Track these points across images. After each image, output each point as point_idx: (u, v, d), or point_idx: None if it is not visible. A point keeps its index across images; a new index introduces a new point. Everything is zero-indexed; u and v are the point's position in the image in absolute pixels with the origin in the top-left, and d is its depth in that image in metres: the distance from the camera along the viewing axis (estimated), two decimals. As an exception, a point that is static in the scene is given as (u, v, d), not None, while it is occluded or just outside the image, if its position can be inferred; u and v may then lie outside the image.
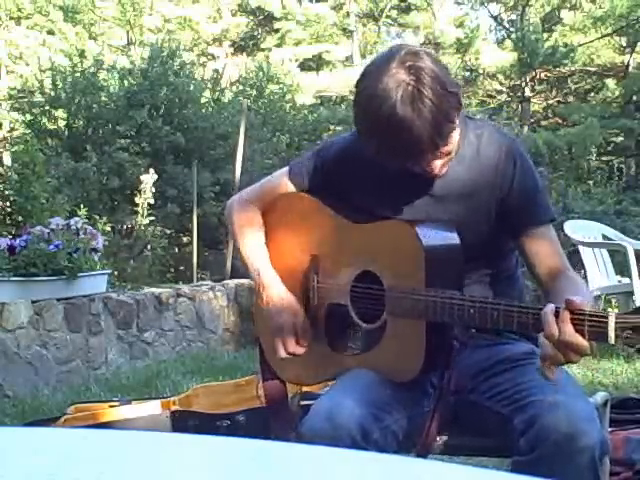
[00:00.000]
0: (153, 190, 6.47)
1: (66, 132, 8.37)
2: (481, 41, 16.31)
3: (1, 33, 12.80)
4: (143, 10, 14.71)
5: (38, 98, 8.89)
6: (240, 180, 6.81)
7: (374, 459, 1.14)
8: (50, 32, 13.30)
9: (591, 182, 11.62)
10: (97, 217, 5.62)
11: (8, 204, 5.90)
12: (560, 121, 15.65)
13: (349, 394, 1.58)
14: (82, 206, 5.27)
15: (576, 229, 5.44)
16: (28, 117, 8.71)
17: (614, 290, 5.47)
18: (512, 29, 16.83)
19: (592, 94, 16.56)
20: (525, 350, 1.70)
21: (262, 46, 17.44)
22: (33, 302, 4.31)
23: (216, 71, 12.57)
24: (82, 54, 9.05)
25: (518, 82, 15.83)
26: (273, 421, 1.97)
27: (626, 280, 5.33)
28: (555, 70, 15.41)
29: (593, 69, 15.87)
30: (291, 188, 1.88)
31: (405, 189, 1.72)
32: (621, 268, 5.59)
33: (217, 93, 10.04)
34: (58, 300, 4.48)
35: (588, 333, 1.37)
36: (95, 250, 4.73)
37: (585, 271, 5.34)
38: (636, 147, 15.17)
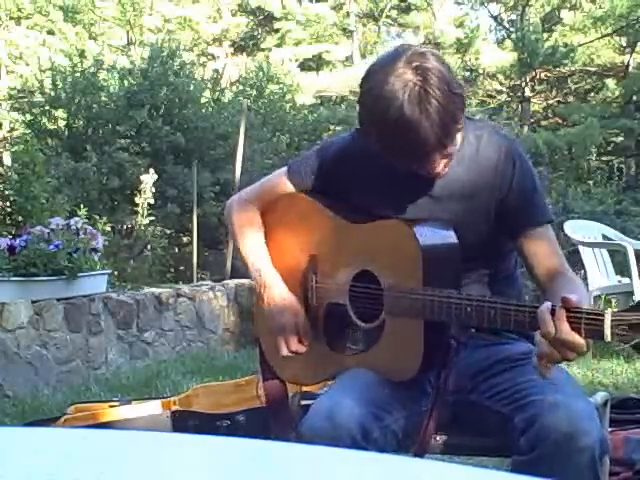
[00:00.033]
0: (153, 190, 6.46)
1: (66, 132, 8.37)
2: (481, 41, 16.31)
3: (1, 33, 12.80)
4: (143, 10, 14.71)
5: (38, 98, 8.89)
6: (240, 180, 6.81)
7: (374, 459, 1.14)
8: (50, 32, 13.30)
9: (591, 182, 11.62)
10: (97, 217, 5.62)
11: (8, 204, 5.90)
12: (560, 121, 15.65)
13: (348, 394, 1.59)
14: (82, 206, 5.27)
15: (576, 229, 5.44)
16: (28, 117, 8.70)
17: (614, 290, 5.47)
18: (512, 29, 16.83)
19: (592, 94, 16.56)
20: (524, 350, 1.70)
21: (262, 46, 17.44)
22: (33, 302, 4.31)
23: (216, 71, 12.56)
24: (82, 54, 9.05)
25: (518, 82, 15.82)
26: (273, 421, 1.97)
27: (626, 280, 5.33)
28: (555, 70, 15.41)
29: (593, 69, 15.87)
30: (290, 188, 1.88)
31: (404, 189, 1.72)
32: (621, 268, 5.58)
33: (217, 93, 10.04)
34: (58, 300, 4.48)
35: (584, 331, 1.38)
36: (95, 250, 4.73)
37: (585, 271, 5.34)
38: (636, 147, 15.17)
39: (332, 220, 1.80)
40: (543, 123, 16.25)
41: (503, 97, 16.60)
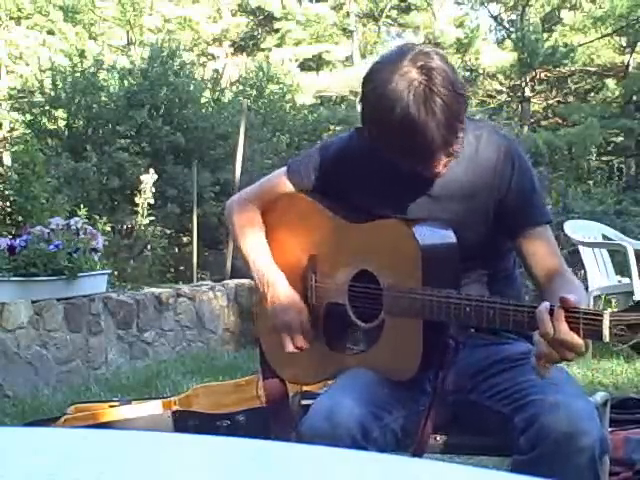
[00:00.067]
0: (153, 190, 6.46)
1: (66, 132, 8.37)
2: (481, 41, 16.31)
3: (1, 33, 12.80)
4: (143, 10, 14.71)
5: (38, 98, 8.89)
6: (240, 180, 6.81)
7: (374, 459, 1.14)
8: (50, 32, 13.30)
9: (591, 182, 11.62)
10: (97, 217, 5.62)
11: (8, 204, 5.90)
12: (560, 121, 15.65)
13: (348, 393, 1.59)
14: (82, 206, 5.27)
15: (576, 229, 5.45)
16: (28, 117, 8.70)
17: (614, 290, 5.47)
18: (512, 29, 16.84)
19: (592, 94, 16.57)
20: (524, 349, 1.70)
21: (262, 46, 17.44)
22: (33, 302, 4.31)
23: (216, 71, 12.57)
24: (82, 54, 9.05)
25: (518, 82, 15.83)
26: (273, 421, 1.97)
27: (626, 280, 5.33)
28: (555, 70, 15.41)
29: (593, 69, 15.87)
30: (290, 187, 1.88)
31: (404, 189, 1.73)
32: (621, 268, 5.59)
33: (217, 93, 10.04)
34: (58, 300, 4.48)
35: (583, 331, 1.38)
36: (95, 250, 4.73)
37: (585, 271, 5.34)
38: (636, 147, 15.17)
39: (331, 220, 1.80)
40: (543, 123, 16.25)
41: (503, 97, 16.60)
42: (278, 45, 16.94)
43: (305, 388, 2.04)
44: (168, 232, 7.71)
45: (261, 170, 7.19)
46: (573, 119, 14.37)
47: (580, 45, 15.24)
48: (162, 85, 8.44)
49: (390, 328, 1.65)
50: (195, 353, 5.43)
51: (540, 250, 1.72)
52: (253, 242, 1.88)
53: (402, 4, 17.65)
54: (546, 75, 15.75)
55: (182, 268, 8.25)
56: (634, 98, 15.21)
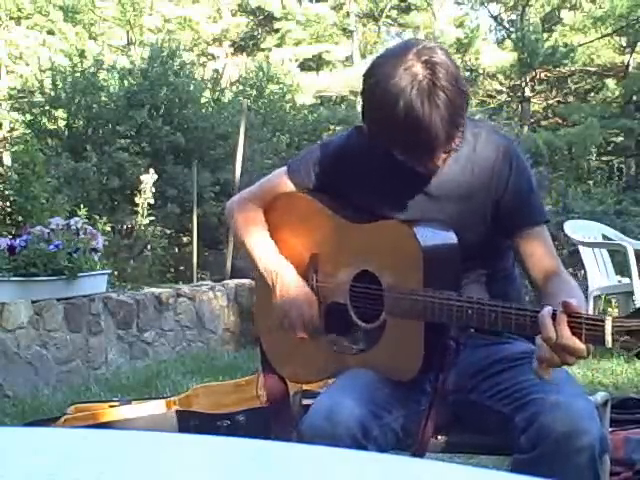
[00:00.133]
0: (153, 190, 6.46)
1: (66, 132, 8.37)
2: (481, 41, 16.32)
3: (1, 33, 12.80)
4: (143, 10, 14.72)
5: (38, 98, 8.89)
6: (240, 180, 6.81)
7: (374, 459, 1.14)
8: (50, 32, 13.30)
9: (591, 182, 11.62)
10: (97, 217, 5.62)
11: (8, 204, 5.90)
12: (560, 121, 15.65)
13: (348, 393, 1.59)
14: (82, 206, 5.27)
15: (576, 229, 5.45)
16: (28, 117, 8.70)
17: (614, 290, 5.47)
18: (512, 29, 16.84)
19: (592, 94, 16.57)
20: (524, 349, 1.70)
21: (262, 46, 17.45)
22: (33, 302, 4.31)
23: (216, 71, 12.56)
24: (82, 54, 9.05)
25: (518, 82, 15.83)
26: (274, 420, 1.97)
27: (626, 280, 5.33)
28: (555, 70, 15.42)
29: (593, 69, 15.87)
30: (290, 187, 1.88)
31: (402, 186, 1.73)
32: (621, 268, 5.59)
33: (217, 93, 10.04)
34: (58, 300, 4.48)
35: (585, 336, 1.38)
36: (95, 250, 4.73)
37: (585, 271, 5.34)
38: (636, 147, 15.17)
39: (332, 219, 1.80)
40: (543, 123, 16.26)
41: (503, 97, 16.61)
42: (278, 45, 16.95)
43: (305, 387, 2.04)
44: (168, 232, 7.71)
45: (261, 170, 7.19)
46: (573, 119, 14.38)
47: (580, 45, 15.24)
48: (162, 85, 8.44)
49: (391, 328, 1.65)
50: (195, 353, 5.43)
51: (537, 251, 1.72)
52: (258, 238, 1.88)
53: (402, 4, 17.66)
54: (546, 75, 15.75)
55: (182, 268, 8.25)
56: (634, 98, 15.21)
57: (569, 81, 16.44)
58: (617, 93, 15.75)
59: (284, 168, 1.91)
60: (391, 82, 1.53)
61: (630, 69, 15.19)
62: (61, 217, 4.95)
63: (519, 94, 15.99)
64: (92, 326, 4.70)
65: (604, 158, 14.91)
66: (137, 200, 6.51)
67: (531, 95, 15.94)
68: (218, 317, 5.78)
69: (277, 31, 17.33)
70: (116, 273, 5.65)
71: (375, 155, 1.73)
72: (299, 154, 2.00)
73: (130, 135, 7.98)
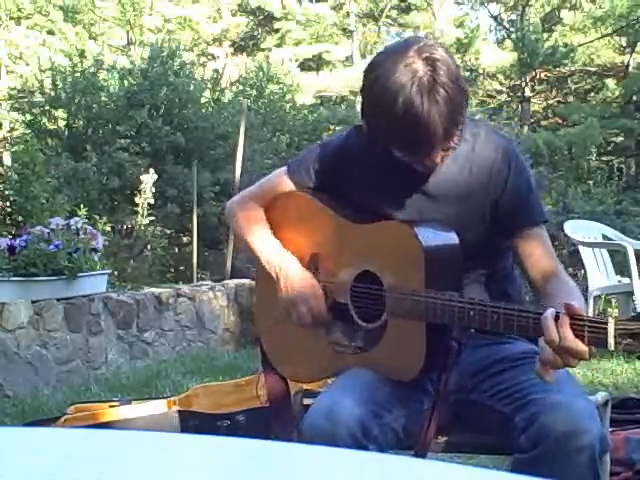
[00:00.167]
0: (153, 190, 6.46)
1: (66, 132, 8.37)
2: (481, 41, 16.32)
3: (1, 33, 12.80)
4: (143, 10, 14.72)
5: (38, 98, 8.89)
6: (240, 180, 6.81)
7: (374, 459, 1.14)
8: (50, 32, 13.31)
9: (591, 182, 11.62)
10: (97, 217, 5.62)
11: (8, 204, 5.90)
12: (560, 121, 15.66)
13: (348, 393, 1.59)
14: (82, 206, 5.27)
15: (576, 229, 5.45)
16: (28, 117, 8.71)
17: (614, 290, 5.47)
18: (512, 29, 16.84)
19: (592, 94, 16.57)
20: (525, 349, 1.70)
21: (262, 46, 17.45)
22: (33, 302, 4.31)
23: (216, 71, 12.57)
24: (82, 54, 9.05)
25: (518, 82, 15.83)
26: (275, 419, 1.97)
27: (626, 280, 5.33)
28: (555, 70, 15.42)
29: (593, 69, 15.87)
30: (290, 186, 1.87)
31: (400, 185, 1.73)
32: (621, 268, 5.59)
33: (217, 93, 10.04)
34: (58, 300, 4.47)
35: (588, 339, 1.38)
36: (95, 250, 4.73)
37: (585, 271, 5.35)
38: (636, 147, 15.18)
39: (333, 219, 1.80)
40: (543, 123, 16.26)
41: (503, 97, 16.61)
42: (278, 45, 16.95)
43: (306, 387, 2.04)
44: (168, 232, 7.71)
45: (261, 170, 7.19)
46: (573, 119, 14.38)
47: (580, 45, 15.25)
48: (162, 85, 8.44)
49: (393, 328, 1.65)
50: (195, 353, 5.43)
51: (536, 251, 1.72)
52: (260, 235, 1.87)
53: (402, 4, 17.66)
54: (546, 75, 15.75)
55: (182, 268, 8.25)
56: (634, 98, 15.21)
57: (569, 81, 16.44)
58: (617, 93, 15.75)
59: (284, 168, 1.91)
60: (391, 78, 1.53)
61: (630, 69, 15.19)
62: (61, 217, 4.95)
63: (519, 94, 15.99)
64: (92, 326, 4.70)
65: (604, 158, 14.91)
66: (137, 200, 6.51)
67: (531, 95, 15.94)
68: (218, 317, 5.78)
69: (277, 31, 17.33)
70: (116, 273, 5.65)
71: (374, 153, 1.73)
72: (299, 154, 2.00)
73: (130, 135, 7.98)
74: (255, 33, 18.26)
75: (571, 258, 6.67)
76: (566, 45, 14.95)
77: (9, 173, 6.08)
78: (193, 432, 2.72)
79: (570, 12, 16.12)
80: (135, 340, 5.07)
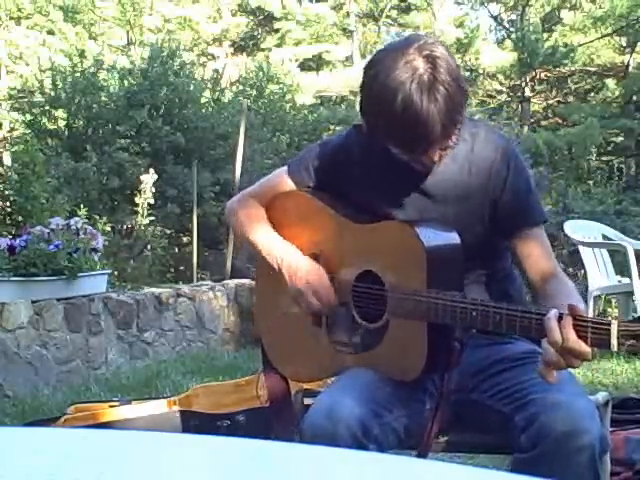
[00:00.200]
0: (153, 190, 6.47)
1: (66, 132, 8.37)
2: (481, 41, 16.32)
3: (1, 33, 12.80)
4: (143, 10, 14.72)
5: (38, 98, 8.90)
6: (240, 180, 6.81)
7: (374, 459, 1.14)
8: (50, 32, 13.31)
9: (591, 182, 11.62)
10: (97, 217, 5.62)
11: (8, 204, 5.90)
12: (560, 121, 15.66)
13: (348, 393, 1.58)
14: (82, 206, 5.27)
15: (576, 229, 5.45)
16: (28, 117, 8.71)
17: (614, 290, 5.47)
18: (512, 29, 16.85)
19: (592, 94, 16.58)
20: (525, 349, 1.70)
21: (262, 46, 17.45)
22: (33, 302, 4.31)
23: (216, 71, 12.57)
24: (82, 54, 9.05)
25: (518, 82, 15.84)
26: (275, 419, 1.97)
27: (626, 280, 5.33)
28: (555, 70, 15.42)
29: (593, 69, 15.88)
30: (291, 185, 1.87)
31: (399, 184, 1.72)
32: (621, 268, 5.59)
33: (217, 93, 10.04)
34: (58, 300, 4.47)
35: (591, 340, 1.37)
36: (95, 250, 4.73)
37: (585, 271, 5.34)
38: (636, 147, 15.18)
39: (334, 219, 1.80)
40: (543, 123, 16.26)
41: (503, 97, 16.61)
42: (278, 45, 16.95)
43: (306, 386, 2.04)
44: (168, 232, 7.71)
45: (261, 170, 7.19)
46: (573, 119, 14.38)
47: (580, 45, 15.25)
48: (162, 85, 8.44)
49: (394, 328, 1.65)
50: (195, 353, 5.43)
51: (535, 252, 1.72)
52: (261, 230, 1.85)
53: (402, 4, 17.66)
54: (546, 75, 15.76)
55: (182, 268, 8.25)
56: (634, 98, 15.22)
57: (569, 81, 16.44)
58: (617, 93, 15.76)
59: (284, 168, 1.91)
60: (391, 75, 1.53)
61: (630, 69, 15.20)
62: (61, 217, 4.95)
63: (519, 94, 15.99)
64: (92, 326, 4.70)
65: (604, 158, 14.91)
66: (137, 200, 6.51)
67: (531, 95, 15.94)
68: (218, 317, 5.78)
69: (277, 31, 17.33)
70: (116, 273, 5.65)
71: (373, 153, 1.73)
72: (299, 153, 2.00)
73: (130, 135, 7.98)
74: (255, 33, 18.27)
75: (571, 258, 6.67)
76: (566, 45, 14.95)
77: (9, 173, 6.08)
78: (193, 432, 2.72)
79: (570, 12, 16.12)
80: (135, 340, 5.07)
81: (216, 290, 5.83)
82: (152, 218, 6.62)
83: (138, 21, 14.71)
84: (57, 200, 5.65)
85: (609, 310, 6.30)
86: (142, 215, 6.48)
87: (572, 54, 14.89)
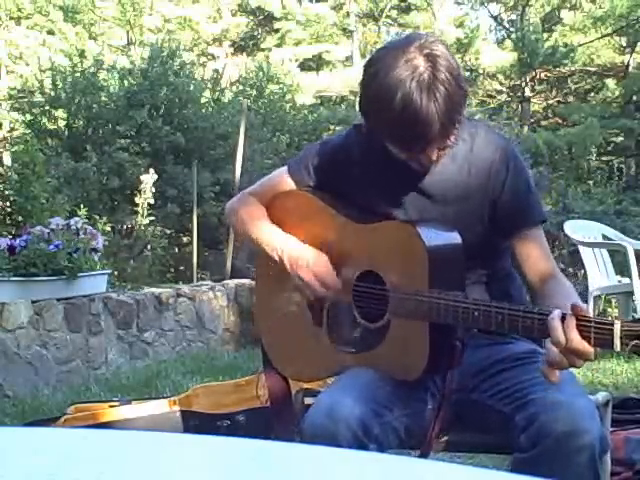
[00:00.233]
0: (153, 190, 6.47)
1: (66, 132, 8.37)
2: (481, 41, 16.33)
3: (1, 33, 12.81)
4: (143, 10, 14.72)
5: (38, 98, 8.90)
6: (240, 180, 6.81)
7: (375, 459, 1.14)
8: (50, 32, 13.31)
9: (591, 182, 11.62)
10: (97, 217, 5.62)
11: (8, 204, 5.90)
12: (560, 121, 15.66)
13: (349, 392, 1.58)
14: (82, 206, 5.27)
15: (576, 229, 5.45)
16: (28, 117, 8.71)
17: (614, 290, 5.47)
18: (512, 29, 16.85)
19: (592, 94, 16.58)
20: (526, 349, 1.70)
21: (262, 46, 17.45)
22: (33, 302, 4.31)
23: (216, 71, 12.57)
24: (82, 54, 9.06)
25: (518, 82, 15.84)
26: (276, 419, 1.97)
27: (626, 280, 5.33)
28: (555, 70, 15.43)
29: (593, 69, 15.88)
30: (291, 185, 1.87)
31: (397, 185, 1.72)
32: (621, 268, 5.59)
33: (217, 93, 10.04)
34: (58, 300, 4.47)
35: (594, 340, 1.37)
36: (95, 250, 4.73)
37: (585, 271, 5.34)
38: (636, 147, 15.18)
39: (335, 218, 1.79)
40: (543, 123, 16.26)
41: (503, 97, 16.61)
42: (278, 45, 16.95)
43: (306, 386, 2.04)
44: (168, 232, 7.71)
45: (261, 170, 7.19)
46: (573, 119, 14.39)
47: (580, 45, 15.25)
48: (162, 85, 8.44)
49: (396, 328, 1.65)
50: (195, 353, 5.43)
51: (534, 253, 1.72)
52: (262, 226, 1.85)
53: (402, 4, 17.66)
54: (546, 75, 15.76)
55: (182, 268, 8.25)
56: (634, 98, 15.22)
57: (569, 81, 16.44)
58: (617, 93, 15.76)
59: (284, 168, 1.91)
60: (391, 73, 1.53)
61: (630, 69, 15.20)
62: (61, 217, 4.95)
63: (519, 94, 15.99)
64: (92, 326, 4.70)
65: (604, 158, 14.91)
66: (137, 200, 6.52)
67: (531, 95, 15.94)
68: (218, 317, 5.78)
69: (277, 31, 17.33)
70: (116, 273, 5.65)
71: (373, 152, 1.73)
72: (299, 153, 2.00)
73: (130, 135, 7.98)
74: (255, 33, 18.27)
75: (571, 258, 6.67)
76: (566, 45, 14.96)
77: (9, 173, 6.08)
78: (193, 432, 2.72)
79: (570, 12, 16.12)
80: (135, 340, 5.07)
81: (216, 290, 5.83)
82: (152, 218, 6.62)
83: (138, 21, 14.72)
84: (57, 200, 5.65)
85: (609, 310, 6.30)
86: (142, 215, 6.48)
87: (572, 54, 14.90)
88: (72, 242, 4.55)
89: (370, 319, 1.70)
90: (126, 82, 8.67)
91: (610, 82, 15.94)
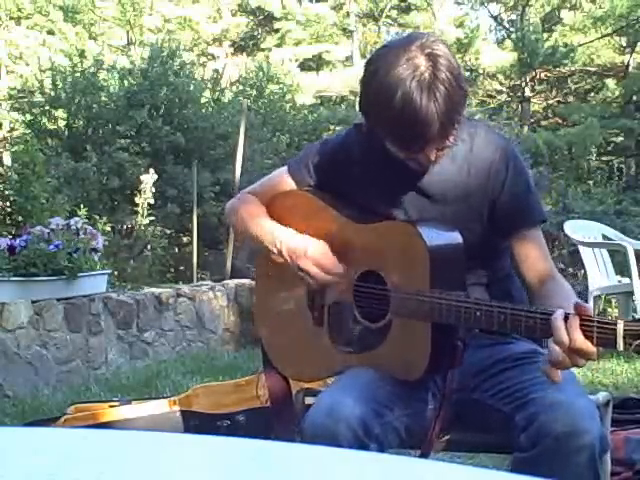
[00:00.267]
0: (153, 190, 6.47)
1: (66, 132, 8.38)
2: (481, 41, 16.33)
3: (1, 33, 12.81)
4: (143, 10, 14.72)
5: (38, 98, 8.90)
6: (240, 180, 6.81)
7: (375, 459, 1.14)
8: (50, 32, 13.31)
9: (591, 182, 11.62)
10: (97, 217, 5.62)
11: (8, 204, 5.90)
12: (560, 121, 15.66)
13: (349, 392, 1.58)
14: (82, 206, 5.27)
15: (576, 229, 5.45)
16: (28, 117, 8.71)
17: (614, 290, 5.47)
18: (512, 29, 16.85)
19: (592, 94, 16.58)
20: (526, 349, 1.70)
21: (262, 46, 17.45)
22: (33, 302, 4.31)
23: (216, 71, 12.56)
24: (82, 54, 9.06)
25: (518, 82, 15.84)
26: (276, 419, 1.96)
27: (626, 280, 5.33)
28: (555, 70, 15.43)
29: (593, 69, 15.88)
30: (291, 185, 1.87)
31: (396, 184, 1.72)
32: (621, 268, 5.59)
33: (217, 93, 10.04)
34: (58, 300, 4.47)
35: (596, 339, 1.37)
36: (95, 250, 4.73)
37: (585, 271, 5.34)
38: (636, 147, 15.18)
39: (335, 218, 1.79)
40: (543, 123, 16.26)
41: (503, 97, 16.61)
42: (278, 45, 16.95)
43: (307, 385, 2.03)
44: (168, 232, 7.71)
45: (261, 170, 7.19)
46: (573, 119, 14.39)
47: (580, 45, 15.25)
48: (162, 85, 8.44)
49: (397, 328, 1.64)
50: (195, 353, 5.43)
51: (532, 253, 1.72)
52: (263, 223, 1.83)
53: (402, 4, 17.67)
54: (546, 75, 15.76)
55: (182, 268, 8.25)
56: (634, 98, 15.22)
57: (569, 81, 16.44)
58: (617, 93, 15.76)
59: (284, 168, 1.91)
60: (392, 72, 1.53)
61: (630, 69, 15.20)
62: (61, 217, 4.95)
63: (519, 94, 15.99)
64: (92, 326, 4.70)
65: (604, 158, 14.91)
66: (137, 200, 6.52)
67: (531, 95, 15.94)
68: (218, 317, 5.78)
69: (277, 31, 17.33)
70: (116, 273, 5.65)
71: (373, 151, 1.73)
72: (299, 153, 2.00)
73: (130, 135, 7.98)
74: (255, 33, 18.27)
75: (571, 258, 6.67)
76: (566, 45, 14.96)
77: (9, 173, 6.08)
78: (193, 432, 2.72)
79: (570, 12, 16.12)
80: (135, 340, 5.07)
81: (216, 290, 5.83)
82: (152, 218, 6.62)
83: (138, 21, 14.72)
84: (57, 200, 5.65)
85: (609, 310, 6.31)
86: (142, 215, 6.48)
87: (572, 54, 14.90)
88: (72, 242, 4.55)
89: (371, 319, 1.70)
90: (126, 82, 8.67)
91: (610, 82, 15.94)
